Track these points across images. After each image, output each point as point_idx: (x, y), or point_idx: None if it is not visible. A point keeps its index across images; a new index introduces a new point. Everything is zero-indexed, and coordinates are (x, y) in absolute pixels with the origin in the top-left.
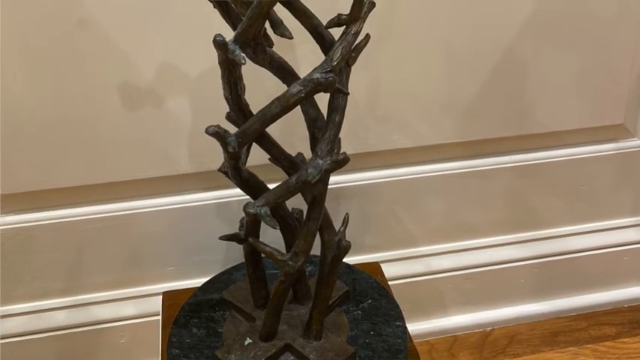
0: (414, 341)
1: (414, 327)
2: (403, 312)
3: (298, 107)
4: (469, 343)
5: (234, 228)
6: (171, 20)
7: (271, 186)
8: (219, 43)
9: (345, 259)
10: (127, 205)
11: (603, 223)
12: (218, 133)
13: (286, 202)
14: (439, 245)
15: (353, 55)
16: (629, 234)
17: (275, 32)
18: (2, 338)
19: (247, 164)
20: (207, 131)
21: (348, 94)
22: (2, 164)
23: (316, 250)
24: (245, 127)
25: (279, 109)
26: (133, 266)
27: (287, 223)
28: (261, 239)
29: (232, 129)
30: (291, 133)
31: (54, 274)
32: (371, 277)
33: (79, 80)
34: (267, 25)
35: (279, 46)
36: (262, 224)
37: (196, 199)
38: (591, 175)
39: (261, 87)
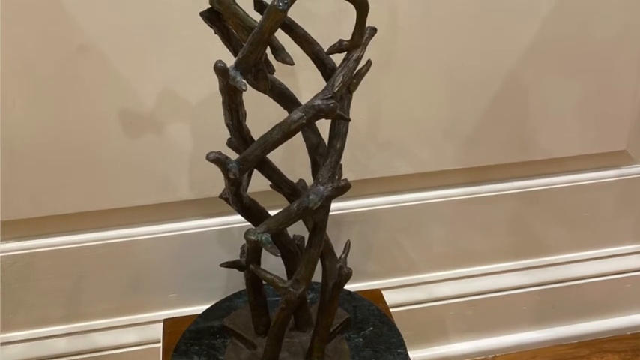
0: None
1: (415, 354)
2: (405, 339)
3: (299, 133)
4: None
5: (235, 255)
6: (172, 46)
7: (272, 213)
8: (220, 69)
9: (347, 286)
10: (127, 231)
11: (605, 250)
12: (219, 160)
13: (287, 228)
14: (441, 272)
15: (354, 81)
16: (631, 261)
17: (276, 58)
18: None
19: (248, 191)
20: (208, 157)
21: (350, 120)
22: (2, 191)
23: (317, 276)
24: (246, 154)
25: (280, 135)
26: (133, 293)
27: (288, 249)
28: (262, 266)
29: (233, 155)
30: (292, 159)
31: (54, 300)
32: (372, 304)
33: (79, 107)
34: (268, 51)
35: (281, 72)
36: (263, 251)
37: (197, 226)
38: (593, 201)
39: (262, 113)
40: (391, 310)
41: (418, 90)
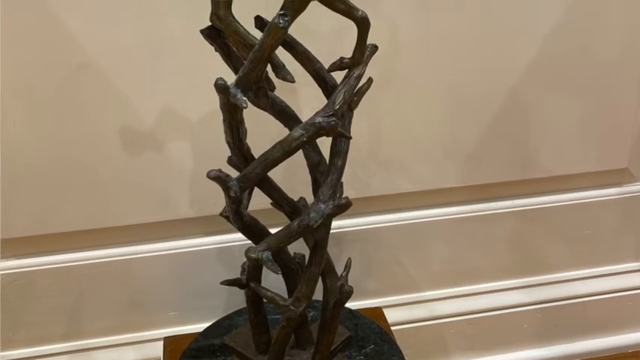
0: None
1: None
2: (406, 357)
3: (300, 151)
4: None
5: (235, 273)
6: (172, 64)
7: (273, 230)
8: (221, 87)
9: (348, 304)
10: (127, 249)
11: (607, 268)
12: (219, 177)
13: (288, 246)
14: (442, 290)
15: (355, 98)
16: (633, 279)
17: (277, 76)
18: None
19: (249, 209)
20: (208, 175)
21: (351, 137)
22: (2, 208)
23: (318, 295)
24: (247, 172)
25: (280, 153)
26: (134, 311)
27: (289, 267)
28: (262, 284)
29: (234, 173)
30: (293, 177)
31: (54, 318)
32: (373, 322)
33: (80, 124)
34: (268, 68)
35: (281, 90)
36: (264, 269)
37: (198, 244)
38: (595, 219)
39: (262, 131)
40: (392, 328)
41: (419, 107)
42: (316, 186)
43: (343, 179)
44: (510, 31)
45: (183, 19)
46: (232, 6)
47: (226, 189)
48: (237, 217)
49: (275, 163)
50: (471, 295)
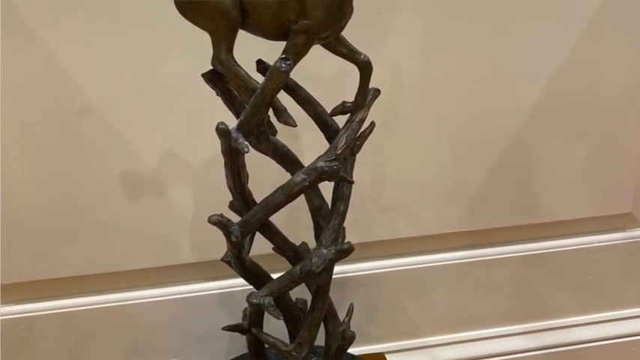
0: None
1: None
2: None
3: (302, 195)
4: None
5: (237, 318)
6: (173, 108)
7: (275, 276)
8: (223, 131)
9: (350, 350)
10: (128, 295)
11: (611, 314)
12: (221, 222)
13: (290, 291)
14: (445, 335)
15: (358, 143)
16: (637, 324)
17: (279, 120)
18: None
19: (250, 254)
20: (209, 220)
21: (353, 182)
22: (2, 253)
23: (320, 340)
24: (248, 216)
25: (282, 197)
26: (135, 357)
27: (291, 313)
28: (264, 329)
29: (235, 218)
30: (295, 221)
31: None
32: None
33: (80, 169)
34: (270, 112)
35: (283, 134)
36: (266, 314)
37: (199, 289)
38: (599, 264)
39: (264, 175)
40: None
41: (422, 152)
42: (318, 231)
43: (345, 224)
44: (513, 75)
45: (184, 63)
46: (234, 50)
47: (228, 234)
48: (239, 262)
49: (277, 208)
50: (473, 341)
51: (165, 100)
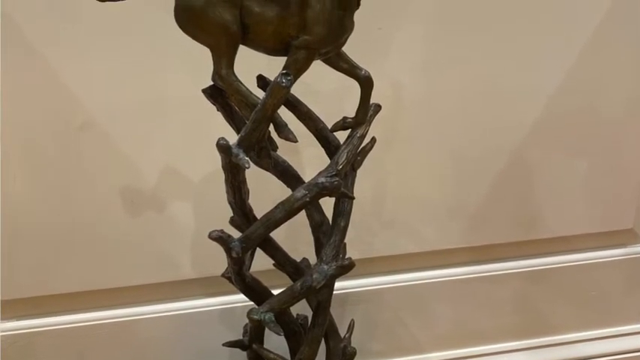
0: None
1: None
2: None
3: (303, 211)
4: None
5: (237, 334)
6: (173, 124)
7: (275, 292)
8: (223, 147)
9: None
10: (128, 311)
11: (614, 329)
12: (221, 238)
13: (291, 307)
14: (446, 352)
15: (359, 158)
16: (639, 340)
17: (279, 135)
18: None
19: (251, 269)
20: (210, 236)
21: (354, 198)
22: (2, 269)
23: (321, 356)
24: (249, 232)
25: (283, 213)
26: None
27: (291, 329)
28: (265, 345)
29: (236, 234)
30: (296, 237)
31: None
32: None
33: (81, 185)
34: (271, 128)
35: (284, 150)
36: (266, 330)
37: (200, 305)
38: (601, 280)
39: (265, 191)
40: None
41: (423, 167)
42: (319, 246)
43: (346, 240)
44: (514, 91)
45: (184, 79)
46: (234, 65)
47: (228, 250)
48: (239, 278)
49: (277, 224)
50: (475, 357)
51: (165, 115)
